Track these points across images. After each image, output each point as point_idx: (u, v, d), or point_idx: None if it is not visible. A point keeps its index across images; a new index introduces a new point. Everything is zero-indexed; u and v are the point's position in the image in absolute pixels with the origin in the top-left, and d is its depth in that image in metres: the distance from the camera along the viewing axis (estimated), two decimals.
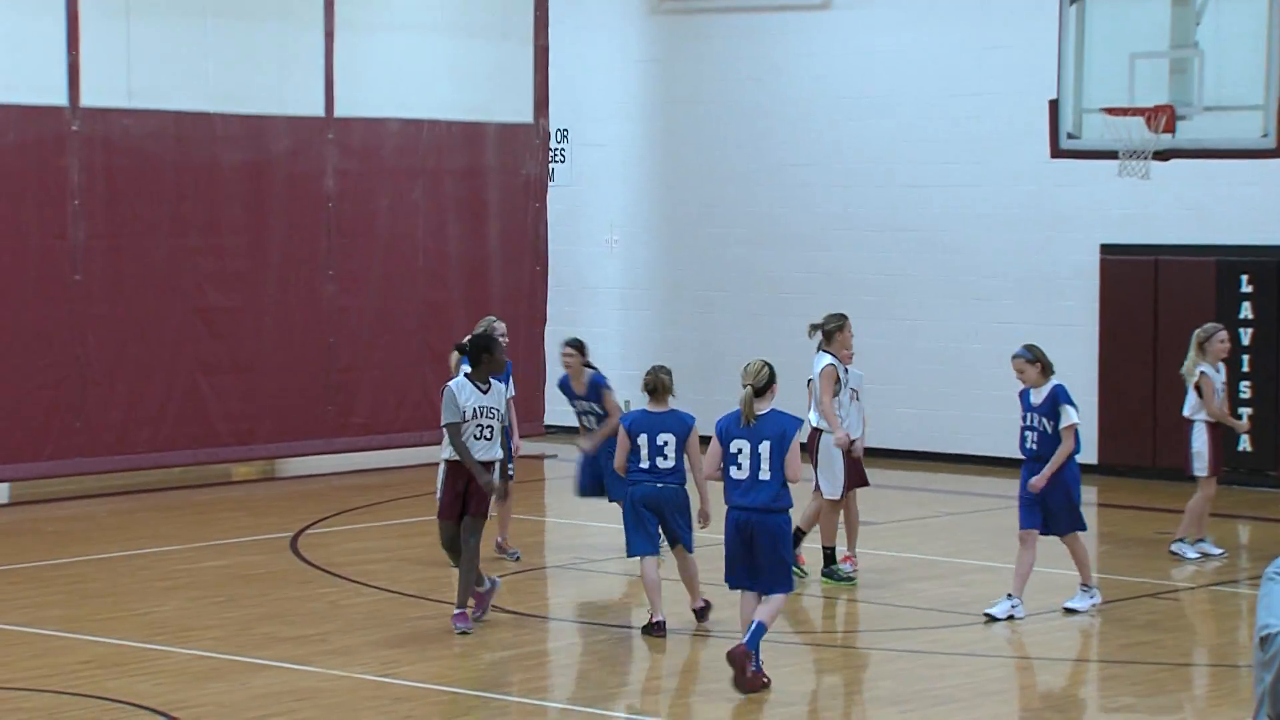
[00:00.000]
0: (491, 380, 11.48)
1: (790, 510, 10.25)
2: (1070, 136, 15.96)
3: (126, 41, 17.44)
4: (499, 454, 11.58)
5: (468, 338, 11.95)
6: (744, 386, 10.10)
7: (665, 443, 11.20)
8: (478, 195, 19.91)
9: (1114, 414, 18.76)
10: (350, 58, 18.80)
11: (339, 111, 18.78)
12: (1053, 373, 11.98)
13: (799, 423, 10.18)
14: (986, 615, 11.81)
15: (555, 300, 20.73)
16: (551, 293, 20.67)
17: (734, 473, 10.06)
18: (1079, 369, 18.93)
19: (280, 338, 18.52)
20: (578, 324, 21.48)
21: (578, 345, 13.66)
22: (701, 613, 11.62)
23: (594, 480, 13.60)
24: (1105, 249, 18.81)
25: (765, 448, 9.99)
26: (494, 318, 14.05)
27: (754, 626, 10.01)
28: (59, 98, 16.92)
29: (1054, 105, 15.93)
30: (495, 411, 11.43)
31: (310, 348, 18.76)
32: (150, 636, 11.57)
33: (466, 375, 11.51)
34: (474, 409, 11.35)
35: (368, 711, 9.97)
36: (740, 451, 10.03)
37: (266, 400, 18.47)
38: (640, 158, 21.62)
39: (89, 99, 17.08)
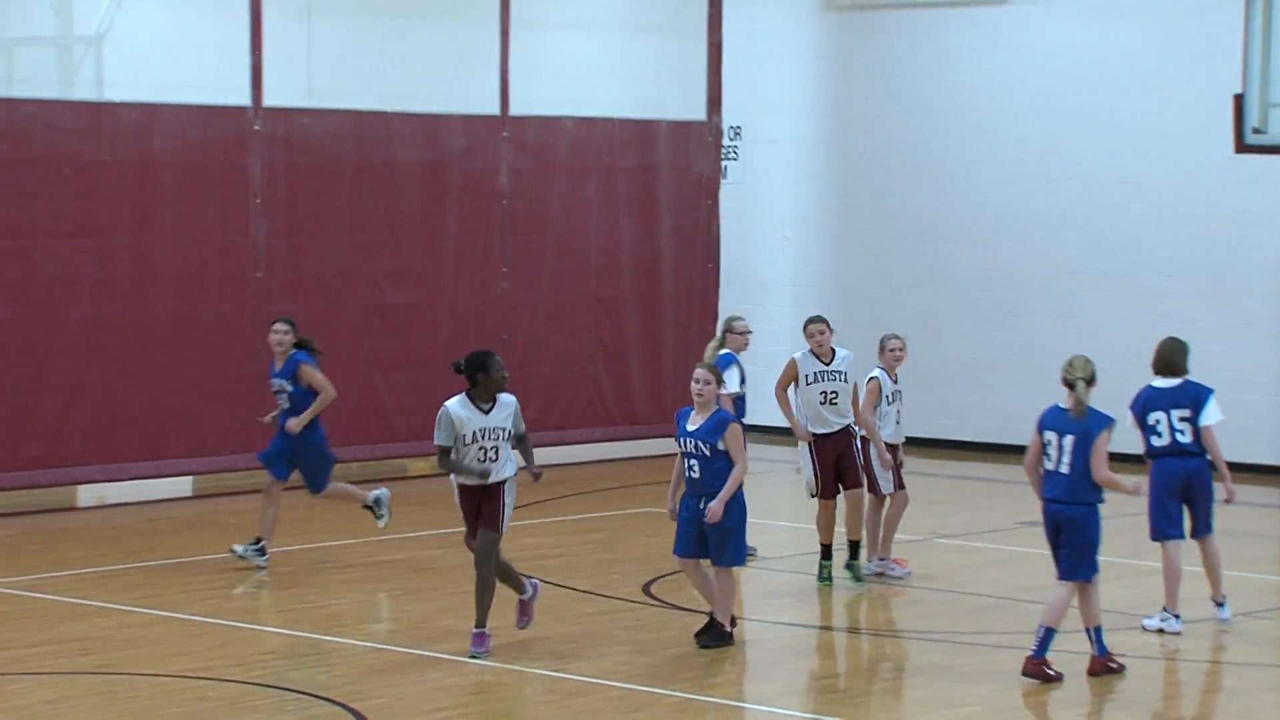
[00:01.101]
0: (497, 398, 10.76)
1: (1098, 505, 10.34)
2: (1256, 131, 15.64)
3: (307, 42, 17.73)
4: (509, 473, 10.84)
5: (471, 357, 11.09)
6: (1074, 380, 10.29)
7: None
8: (650, 193, 19.97)
9: None
10: (525, 56, 18.94)
11: (514, 110, 18.92)
12: (1156, 371, 11.74)
13: (1108, 421, 10.26)
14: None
15: (727, 297, 20.69)
16: (723, 290, 20.65)
17: (1045, 464, 10.40)
18: (1264, 367, 18.59)
19: (455, 334, 18.69)
20: (750, 320, 21.47)
21: (292, 323, 13.54)
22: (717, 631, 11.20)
23: (290, 463, 13.49)
24: None
25: (1069, 442, 10.24)
26: (735, 315, 14.24)
27: (1092, 634, 10.47)
28: (242, 98, 17.21)
29: (1238, 100, 15.63)
30: (500, 432, 10.73)
31: (484, 344, 18.83)
32: (330, 629, 11.73)
33: (468, 395, 10.76)
34: (474, 432, 10.69)
35: (542, 706, 10.07)
36: (1050, 444, 10.33)
37: (441, 396, 18.46)
38: (813, 154, 21.54)
39: (271, 99, 17.36)
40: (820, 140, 21.48)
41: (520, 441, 10.94)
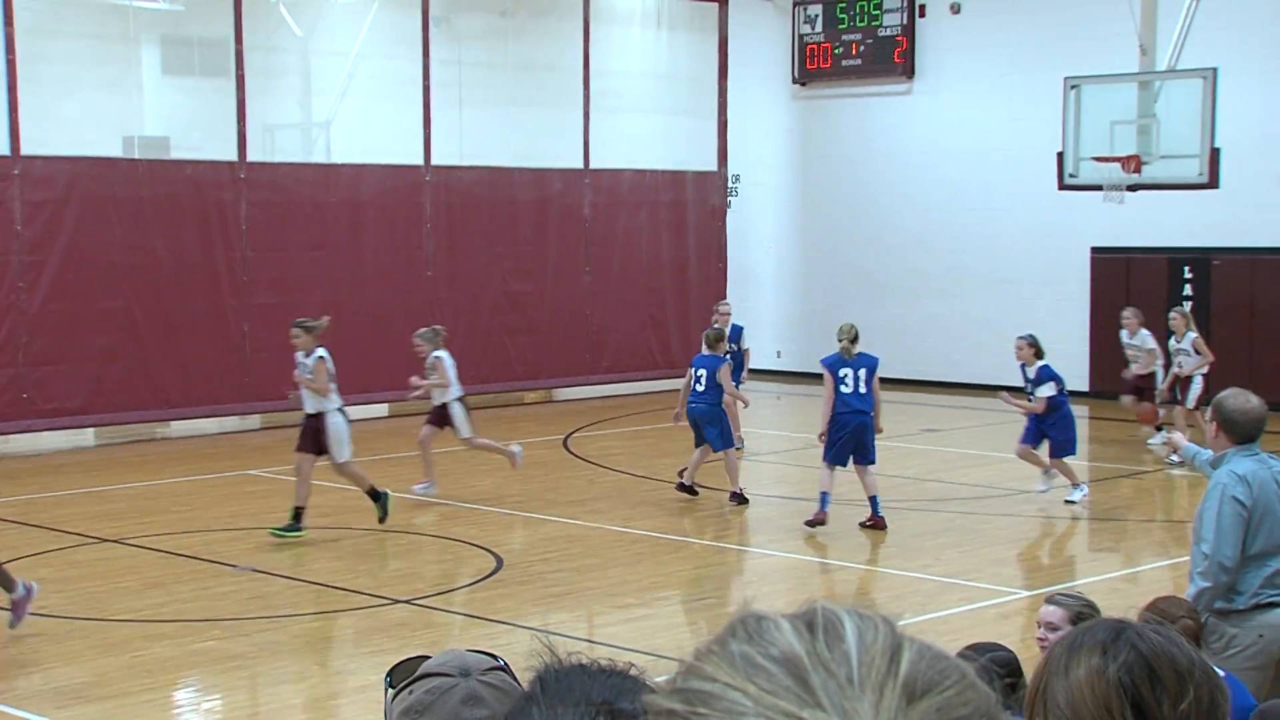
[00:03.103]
0: None
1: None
2: (1070, 176, 15.84)
3: (460, 121, 18.05)
4: None
5: None
6: (845, 340, 10.64)
7: (701, 375, 11.50)
8: (681, 218, 20.02)
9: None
10: (600, 130, 19.07)
11: (593, 165, 19.05)
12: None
13: (876, 360, 10.81)
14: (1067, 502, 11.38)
15: (731, 286, 20.76)
16: (729, 281, 20.71)
17: (843, 389, 10.55)
18: (1078, 328, 18.71)
19: (555, 311, 18.88)
20: (747, 301, 21.58)
21: None
22: (737, 497, 11.41)
23: None
24: (1095, 250, 18.54)
25: (863, 374, 10.61)
26: (722, 300, 14.77)
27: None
28: (418, 159, 17.43)
29: (1060, 155, 15.87)
30: None
31: (574, 317, 19.14)
32: (477, 500, 11.78)
33: None
34: None
35: (615, 550, 10.12)
36: (847, 376, 10.54)
37: (546, 349, 18.93)
38: (787, 194, 21.57)
39: (436, 159, 17.55)
40: (791, 185, 21.46)
41: None
